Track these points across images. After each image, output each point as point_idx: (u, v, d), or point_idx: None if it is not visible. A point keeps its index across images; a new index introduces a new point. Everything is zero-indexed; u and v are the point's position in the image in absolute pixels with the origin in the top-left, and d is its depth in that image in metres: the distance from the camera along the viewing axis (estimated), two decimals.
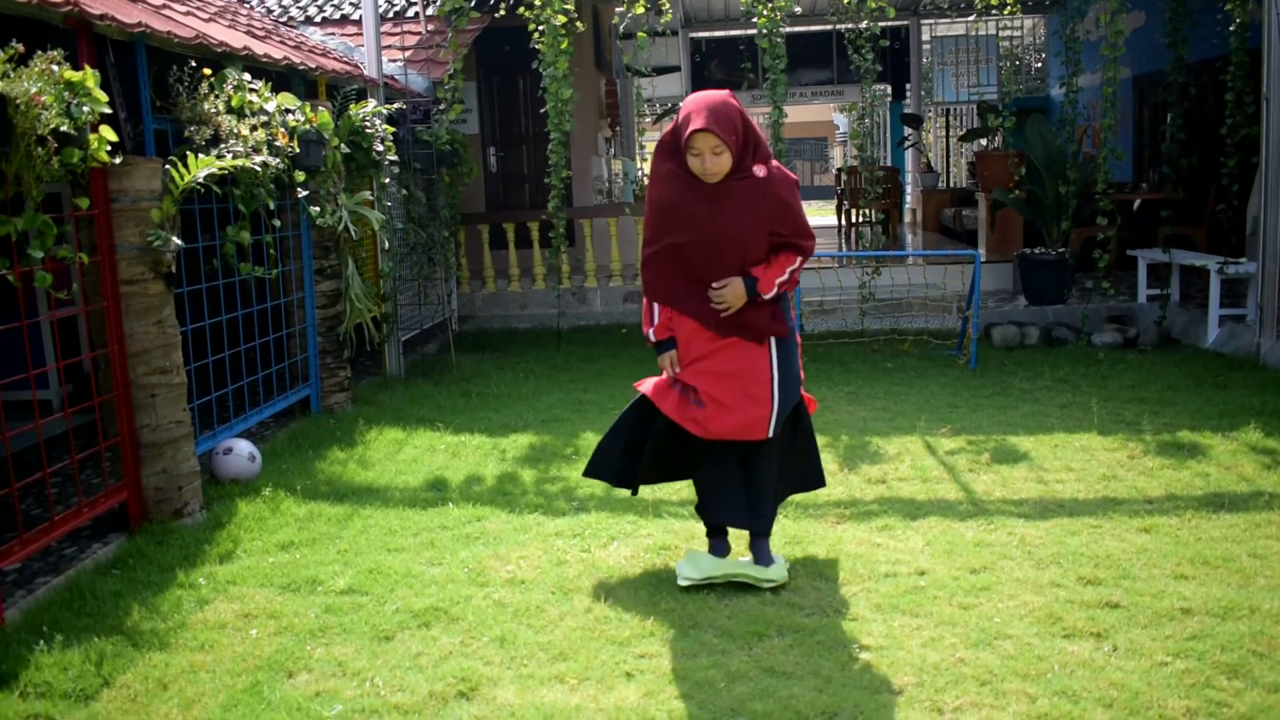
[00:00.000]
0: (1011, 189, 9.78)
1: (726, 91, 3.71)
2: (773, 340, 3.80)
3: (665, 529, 4.51)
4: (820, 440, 5.72)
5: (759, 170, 3.69)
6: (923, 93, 17.05)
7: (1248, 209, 9.35)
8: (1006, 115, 9.82)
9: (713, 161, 3.61)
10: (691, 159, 3.65)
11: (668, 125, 3.90)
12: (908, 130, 17.04)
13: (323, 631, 3.61)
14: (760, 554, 3.90)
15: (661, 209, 3.80)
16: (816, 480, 4.22)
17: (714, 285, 3.73)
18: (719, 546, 3.99)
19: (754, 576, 3.84)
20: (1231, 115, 8.03)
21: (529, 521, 4.70)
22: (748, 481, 3.87)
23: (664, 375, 3.91)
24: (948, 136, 19.20)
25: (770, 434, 3.77)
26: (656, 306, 3.89)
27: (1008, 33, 16.95)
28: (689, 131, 3.58)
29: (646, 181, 4.40)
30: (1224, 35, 8.06)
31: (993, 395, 6.84)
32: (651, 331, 3.91)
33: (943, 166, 18.95)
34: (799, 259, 3.79)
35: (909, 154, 18.06)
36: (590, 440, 6.03)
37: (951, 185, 17.69)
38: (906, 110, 17.35)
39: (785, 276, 3.76)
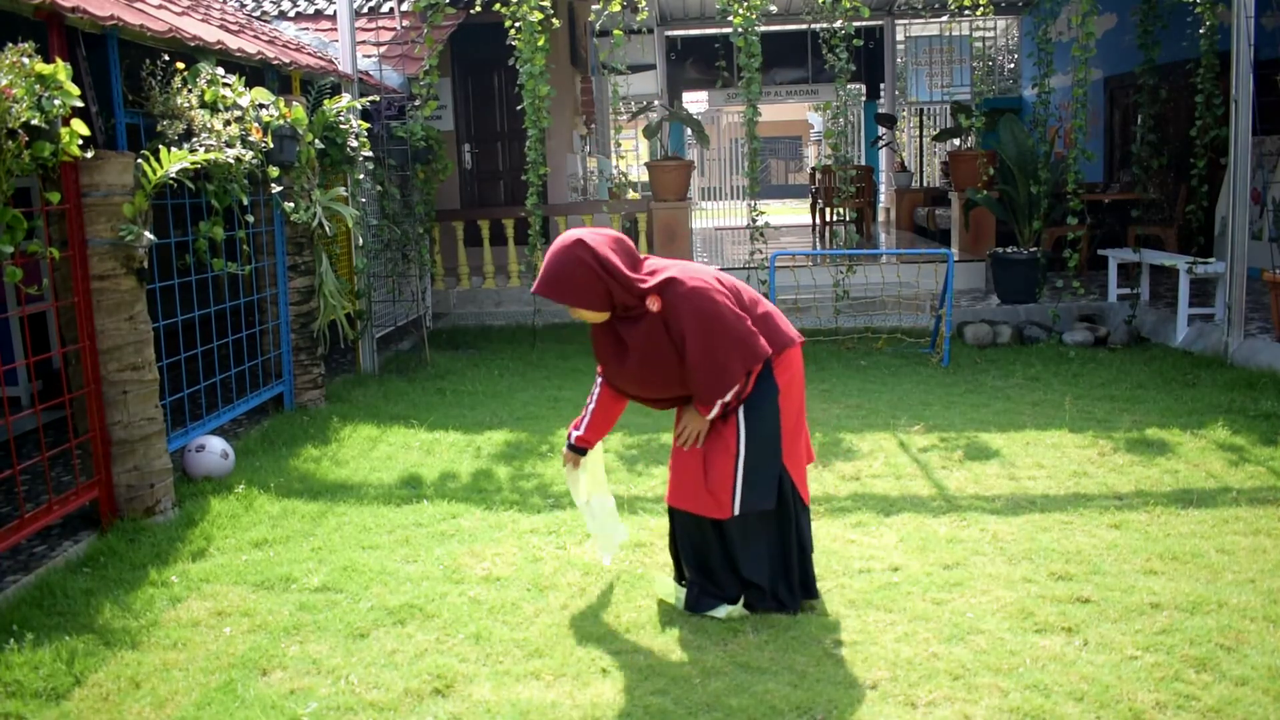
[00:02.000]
0: (984, 188, 9.85)
1: (574, 238, 3.36)
2: (740, 408, 3.50)
3: (640, 526, 4.52)
4: None
5: (651, 304, 3.39)
6: (897, 92, 17.13)
7: (1216, 210, 9.48)
8: (979, 115, 9.89)
9: (577, 314, 3.44)
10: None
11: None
12: (882, 130, 17.11)
13: (297, 629, 3.60)
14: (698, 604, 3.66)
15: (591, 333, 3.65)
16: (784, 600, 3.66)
17: (677, 441, 3.57)
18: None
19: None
20: (1201, 117, 8.12)
21: (504, 518, 4.69)
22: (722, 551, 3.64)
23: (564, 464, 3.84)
24: (921, 136, 19.29)
25: (735, 511, 3.49)
26: (595, 397, 3.71)
27: (981, 33, 17.04)
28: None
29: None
30: (1194, 38, 8.15)
31: (965, 393, 6.90)
32: (574, 435, 3.77)
33: (916, 166, 19.04)
34: (739, 383, 3.43)
35: (883, 153, 18.15)
36: (565, 437, 6.03)
37: (925, 184, 17.78)
38: (881, 110, 17.43)
39: (729, 398, 3.43)
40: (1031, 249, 9.38)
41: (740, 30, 8.13)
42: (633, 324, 3.41)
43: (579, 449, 3.78)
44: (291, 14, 10.41)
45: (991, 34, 17.70)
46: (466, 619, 3.65)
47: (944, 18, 13.38)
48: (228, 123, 5.31)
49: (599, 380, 3.71)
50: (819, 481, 5.10)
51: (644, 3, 8.43)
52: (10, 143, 3.68)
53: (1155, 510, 4.54)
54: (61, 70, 3.87)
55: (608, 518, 3.97)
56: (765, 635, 3.46)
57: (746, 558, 3.58)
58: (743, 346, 3.38)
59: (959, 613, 3.59)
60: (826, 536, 4.34)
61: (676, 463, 3.60)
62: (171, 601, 3.84)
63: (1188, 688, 3.04)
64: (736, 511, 3.49)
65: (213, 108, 5.31)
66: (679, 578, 3.82)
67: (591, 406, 3.73)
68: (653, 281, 3.41)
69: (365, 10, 10.46)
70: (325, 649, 3.45)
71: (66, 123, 3.96)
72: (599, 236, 3.40)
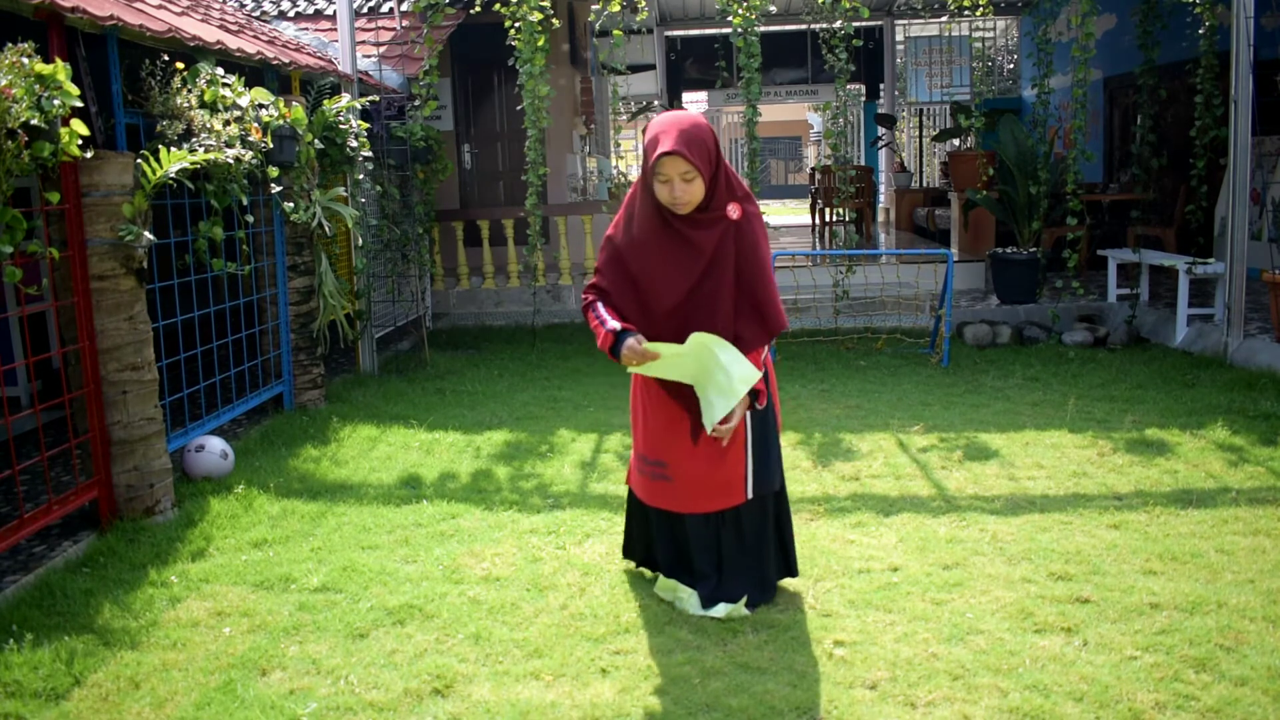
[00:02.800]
0: (983, 189, 9.85)
1: (700, 114, 3.40)
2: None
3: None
4: (794, 437, 5.78)
5: (732, 210, 3.34)
6: (896, 93, 17.14)
7: (1216, 210, 9.48)
8: (979, 116, 9.89)
9: (683, 189, 3.24)
10: (659, 186, 3.28)
11: (641, 121, 3.71)
12: (881, 130, 17.12)
13: (296, 629, 3.60)
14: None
15: (626, 249, 3.43)
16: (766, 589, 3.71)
17: (717, 428, 3.35)
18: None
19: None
20: (1200, 117, 8.12)
21: (504, 518, 4.69)
22: (738, 548, 3.66)
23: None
24: (921, 136, 19.30)
25: (749, 495, 3.55)
26: (603, 307, 3.47)
27: (980, 34, 17.06)
28: (656, 154, 3.22)
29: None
30: (1194, 38, 8.15)
31: (965, 393, 6.90)
32: (615, 323, 3.38)
33: (916, 166, 19.05)
34: (765, 349, 3.43)
35: (883, 153, 18.16)
36: (565, 437, 6.04)
37: (925, 185, 17.80)
38: (880, 110, 17.44)
39: (763, 370, 3.40)
40: (1031, 249, 9.38)
41: (740, 30, 8.14)
42: (706, 228, 3.31)
43: (631, 332, 3.36)
44: (291, 14, 10.41)
45: (991, 34, 17.72)
46: (466, 619, 3.65)
47: (943, 18, 13.39)
48: (227, 123, 5.31)
49: (596, 303, 3.47)
50: (819, 482, 5.10)
51: (644, 3, 8.43)
52: (10, 143, 3.68)
53: (1155, 510, 4.54)
54: (61, 70, 3.87)
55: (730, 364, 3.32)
56: (765, 635, 3.46)
57: (759, 545, 3.65)
58: (778, 304, 3.42)
59: (958, 613, 3.59)
60: (826, 537, 4.34)
61: (685, 471, 3.53)
62: (171, 602, 3.84)
63: (1187, 688, 3.04)
64: (749, 495, 3.54)
65: (212, 108, 5.31)
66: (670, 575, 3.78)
67: (603, 311, 3.45)
68: (744, 192, 3.38)
69: (365, 10, 10.46)
70: (325, 649, 3.45)
71: (66, 123, 3.96)
72: None
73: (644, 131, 3.37)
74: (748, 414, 3.48)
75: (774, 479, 3.62)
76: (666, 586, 3.75)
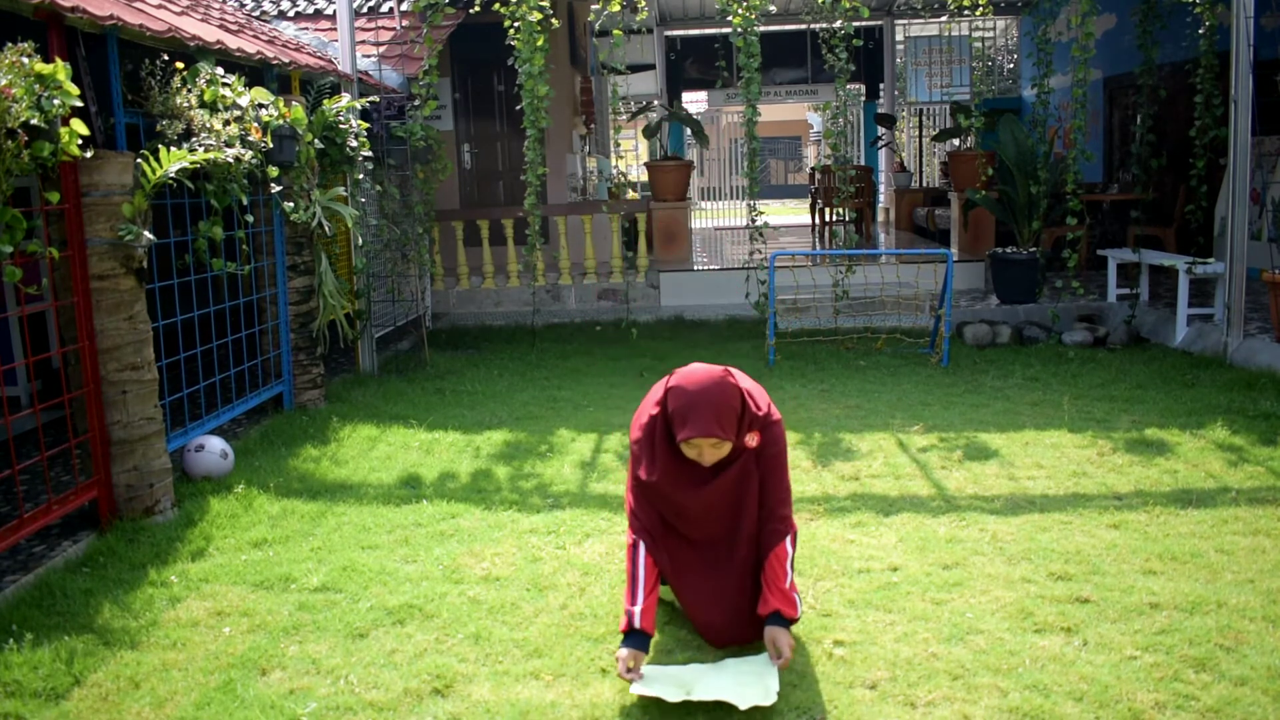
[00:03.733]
0: (983, 189, 9.85)
1: (722, 370, 3.27)
2: None
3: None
4: (794, 437, 5.78)
5: (750, 440, 3.34)
6: (896, 92, 17.14)
7: (1216, 210, 9.49)
8: (979, 116, 9.89)
9: (711, 455, 3.25)
10: (686, 448, 3.25)
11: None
12: (881, 130, 17.12)
13: (296, 629, 3.60)
14: None
15: (650, 494, 3.38)
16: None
17: (779, 663, 3.15)
18: None
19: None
20: (1200, 117, 8.12)
21: (503, 518, 4.69)
22: None
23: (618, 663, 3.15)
24: (921, 136, 19.30)
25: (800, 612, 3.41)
26: (644, 555, 3.33)
27: (980, 34, 17.05)
28: (685, 436, 3.19)
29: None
30: (1193, 38, 8.15)
31: (965, 393, 6.90)
32: (637, 613, 3.20)
33: (916, 166, 19.05)
34: (788, 545, 3.35)
35: (882, 153, 18.16)
36: (565, 437, 6.04)
37: (924, 185, 17.79)
38: (880, 110, 17.44)
39: (790, 573, 3.33)
40: (1031, 249, 9.38)
41: (740, 30, 8.13)
42: (727, 467, 3.32)
43: (643, 637, 3.20)
44: (291, 14, 10.41)
45: (991, 34, 17.71)
46: (466, 619, 3.65)
47: (943, 18, 13.40)
48: (227, 122, 5.31)
49: (639, 546, 3.35)
50: (818, 481, 5.10)
51: (643, 3, 8.43)
52: (10, 142, 3.68)
53: (1154, 510, 4.54)
54: (61, 70, 3.87)
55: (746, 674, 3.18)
56: None
57: None
58: (789, 506, 3.46)
59: (958, 613, 3.59)
60: (826, 536, 4.34)
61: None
62: (171, 601, 3.84)
63: (1187, 688, 3.04)
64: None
65: (212, 107, 5.31)
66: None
67: (640, 573, 3.30)
68: (764, 411, 3.38)
69: (365, 10, 10.46)
70: (324, 649, 3.45)
71: (66, 122, 3.96)
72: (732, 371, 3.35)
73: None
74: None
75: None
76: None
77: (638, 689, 3.04)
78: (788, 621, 3.25)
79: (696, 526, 3.40)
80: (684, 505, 3.36)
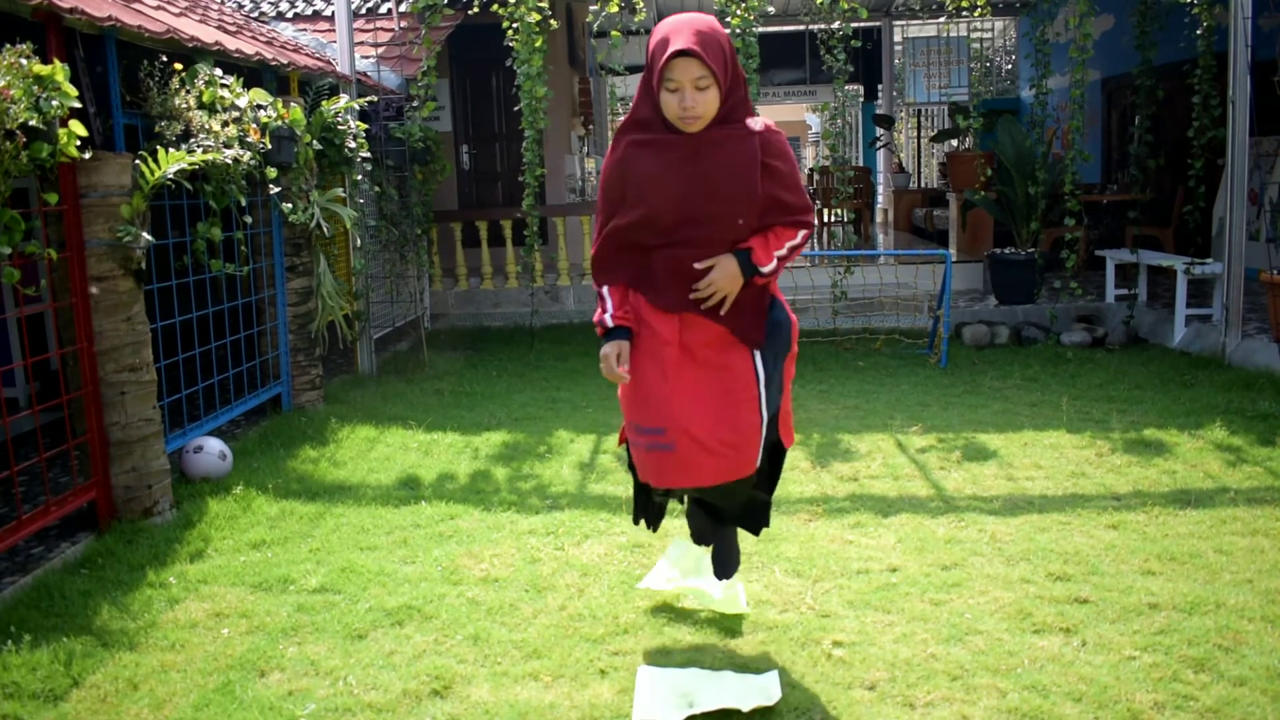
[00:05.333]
0: (982, 189, 9.86)
1: (712, 16, 2.90)
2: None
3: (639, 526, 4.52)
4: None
5: (754, 123, 2.88)
6: (895, 93, 17.14)
7: (1214, 210, 9.49)
8: (977, 116, 9.90)
9: (695, 98, 2.77)
10: (667, 95, 2.79)
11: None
12: (880, 130, 17.13)
13: (295, 630, 3.59)
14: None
15: (621, 180, 2.92)
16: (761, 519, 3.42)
17: (697, 265, 2.87)
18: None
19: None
20: (1198, 118, 8.13)
21: (502, 519, 4.69)
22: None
23: (619, 390, 3.04)
24: (919, 137, 19.32)
25: (757, 466, 3.09)
26: (608, 290, 3.01)
27: (978, 34, 17.08)
28: (666, 56, 2.73)
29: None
30: (1191, 39, 8.16)
31: (963, 394, 6.90)
32: (608, 316, 2.97)
33: (914, 167, 19.07)
34: (800, 233, 2.96)
35: (881, 154, 18.17)
36: (563, 438, 6.04)
37: (923, 185, 17.81)
38: (878, 111, 17.45)
39: (785, 250, 2.94)
40: (1029, 250, 9.38)
41: (738, 31, 8.14)
42: (720, 144, 2.83)
43: (622, 330, 2.97)
44: (289, 15, 10.41)
45: (989, 35, 17.73)
46: (465, 620, 3.65)
47: (941, 19, 13.40)
48: (226, 124, 5.31)
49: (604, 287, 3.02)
50: (817, 482, 5.10)
51: (642, 4, 8.43)
52: (8, 144, 3.68)
53: (1153, 511, 4.54)
54: (59, 71, 3.87)
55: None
56: (764, 636, 3.46)
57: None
58: (812, 207, 2.97)
59: (957, 613, 3.59)
60: (824, 537, 4.34)
61: (691, 429, 2.94)
62: (169, 603, 3.83)
63: (1186, 688, 3.04)
64: (758, 465, 3.07)
65: (211, 108, 5.31)
66: (721, 574, 3.47)
67: (607, 295, 3.01)
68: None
69: (363, 11, 10.46)
70: (323, 650, 3.45)
71: (64, 124, 3.96)
72: None
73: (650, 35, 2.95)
74: (758, 366, 2.97)
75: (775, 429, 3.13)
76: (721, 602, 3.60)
77: (642, 705, 2.98)
78: (747, 257, 2.87)
79: (676, 225, 2.88)
80: (657, 186, 2.85)
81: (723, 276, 2.86)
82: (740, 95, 2.87)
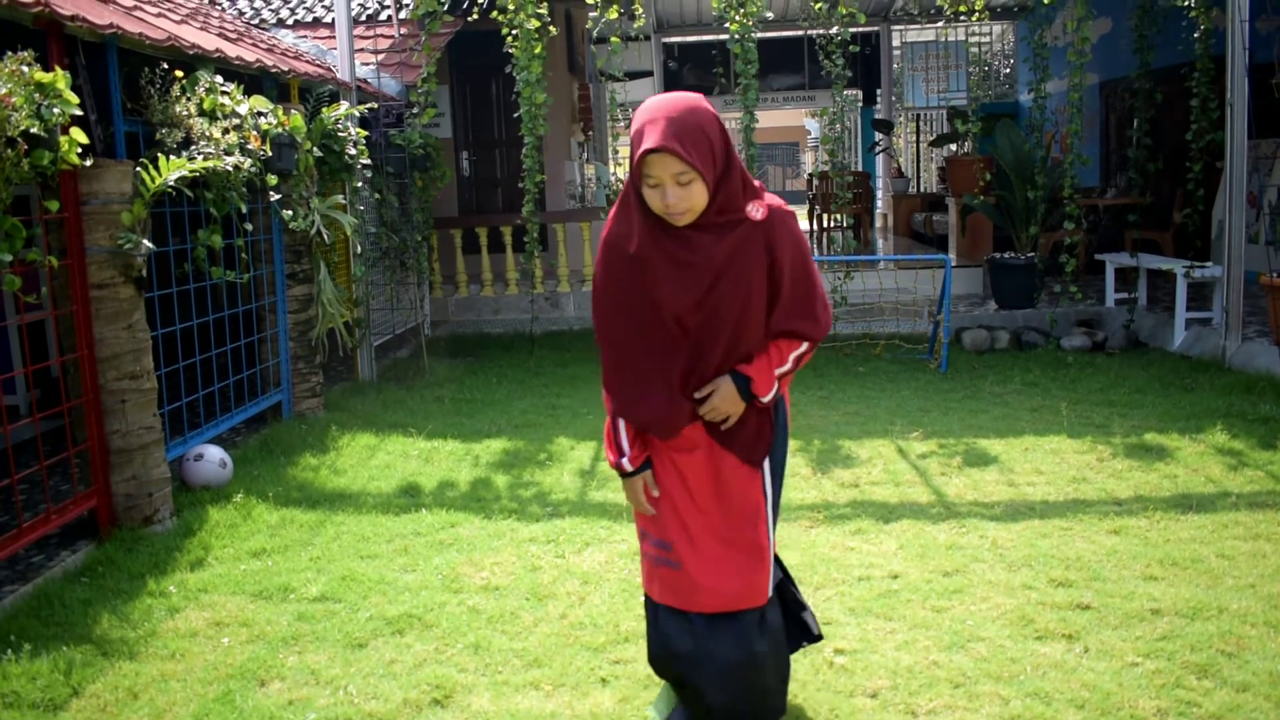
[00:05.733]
0: (981, 194, 9.86)
1: (698, 96, 2.57)
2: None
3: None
4: (793, 444, 5.77)
5: (754, 210, 2.58)
6: (893, 98, 17.16)
7: (1213, 213, 9.50)
8: (976, 121, 9.91)
9: (677, 195, 2.47)
10: (648, 191, 2.51)
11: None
12: (879, 135, 17.15)
13: (295, 639, 3.59)
14: None
15: (612, 272, 2.65)
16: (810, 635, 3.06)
17: (698, 394, 2.63)
18: None
19: None
20: (1196, 121, 8.14)
21: (503, 527, 4.69)
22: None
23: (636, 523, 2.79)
24: (918, 142, 19.34)
25: (771, 593, 2.75)
26: (624, 425, 2.71)
27: (977, 39, 17.10)
28: (640, 151, 2.46)
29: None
30: (1189, 42, 8.17)
31: (963, 399, 6.90)
32: (626, 460, 2.70)
33: (913, 171, 19.08)
34: (805, 345, 2.68)
35: (880, 159, 18.18)
36: (564, 445, 6.03)
37: (922, 190, 17.83)
38: (877, 115, 17.46)
39: (789, 366, 2.67)
40: (1029, 254, 9.39)
41: (737, 37, 8.15)
42: (720, 234, 2.55)
43: (643, 467, 2.73)
44: (290, 22, 10.42)
45: (987, 39, 17.75)
46: (465, 628, 3.64)
47: (940, 24, 13.42)
48: (226, 130, 5.31)
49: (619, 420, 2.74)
50: (818, 489, 5.10)
51: (641, 10, 8.44)
52: (9, 151, 3.68)
53: (1155, 515, 4.53)
54: (61, 79, 3.87)
55: None
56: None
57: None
58: (826, 301, 2.71)
59: (959, 620, 3.58)
60: (826, 544, 4.33)
61: (699, 545, 2.68)
62: (169, 612, 3.83)
63: (1189, 694, 3.04)
64: (771, 592, 2.74)
65: (211, 115, 5.31)
66: None
67: (622, 430, 2.73)
68: (758, 183, 2.69)
69: (363, 18, 10.47)
70: (324, 659, 3.44)
71: (65, 131, 3.96)
72: None
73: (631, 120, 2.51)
74: (767, 484, 2.74)
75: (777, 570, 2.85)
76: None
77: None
78: (747, 385, 2.62)
79: (668, 307, 2.59)
80: (655, 283, 2.58)
81: (723, 402, 2.62)
82: (736, 181, 2.57)
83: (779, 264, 2.60)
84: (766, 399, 2.65)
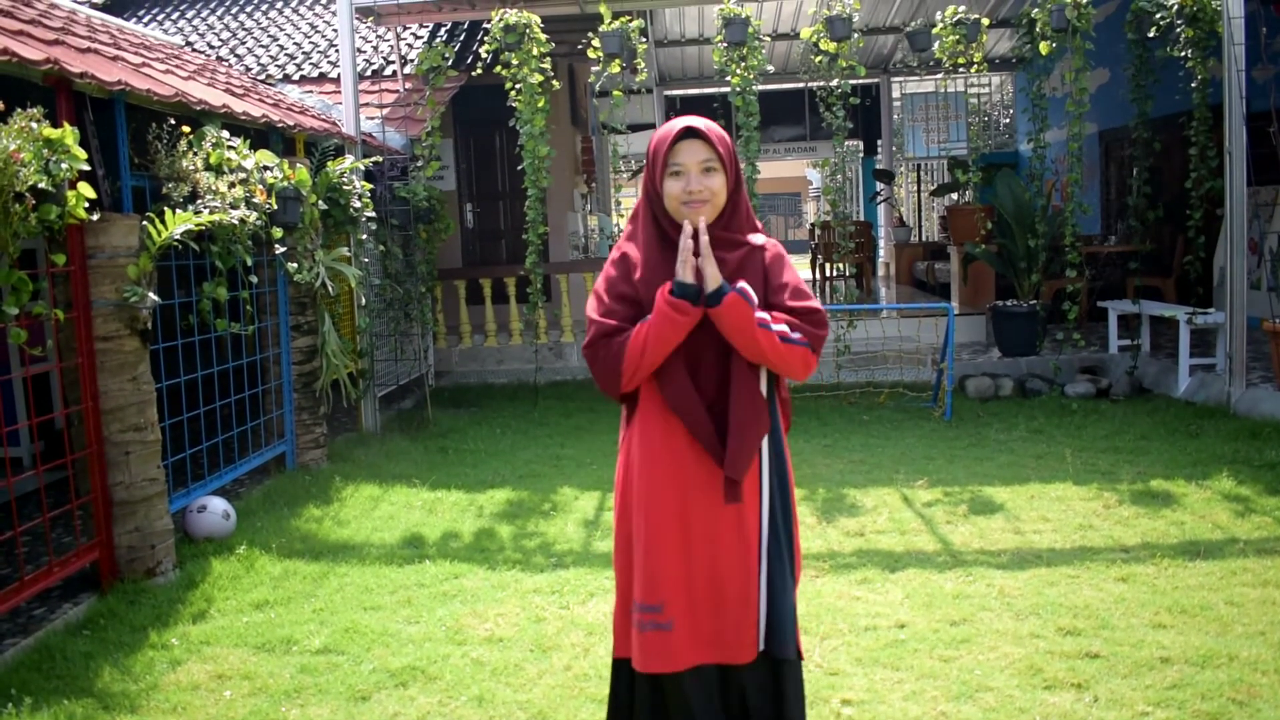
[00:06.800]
0: (982, 242, 9.91)
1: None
2: (765, 484, 2.61)
3: None
4: (799, 493, 5.75)
5: (755, 239, 2.64)
6: (894, 148, 17.30)
7: (1214, 260, 9.53)
8: (976, 170, 9.98)
9: (700, 182, 2.52)
10: (670, 181, 2.55)
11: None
12: (880, 185, 17.27)
13: (298, 692, 3.56)
14: None
15: (624, 281, 2.62)
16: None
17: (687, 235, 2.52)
18: None
19: None
20: (1195, 169, 8.20)
21: (507, 578, 4.66)
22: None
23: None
24: (919, 191, 19.46)
25: (760, 646, 2.57)
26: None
27: (975, 90, 17.27)
28: (673, 138, 2.55)
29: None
30: (1186, 91, 8.25)
31: (968, 446, 6.88)
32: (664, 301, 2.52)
33: (915, 221, 19.18)
34: (800, 334, 2.55)
35: (881, 208, 18.30)
36: (568, 495, 6.02)
37: (924, 239, 17.90)
38: (878, 166, 17.60)
39: (779, 327, 2.53)
40: (1031, 302, 9.41)
41: (738, 90, 8.24)
42: (725, 252, 2.55)
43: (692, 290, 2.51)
44: (296, 77, 10.57)
45: (986, 90, 17.93)
46: (469, 681, 3.61)
47: (939, 75, 13.57)
48: (232, 184, 5.36)
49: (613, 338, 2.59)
50: (823, 538, 5.07)
51: (643, 64, 8.55)
52: (17, 206, 3.72)
53: (1162, 563, 4.50)
54: (69, 135, 3.92)
55: None
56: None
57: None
58: (824, 318, 2.64)
59: (967, 670, 3.55)
60: (831, 594, 4.30)
61: (689, 610, 2.56)
62: (171, 664, 3.80)
63: None
64: (761, 647, 2.57)
65: (218, 170, 5.37)
66: None
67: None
68: (759, 224, 2.75)
69: (369, 73, 10.61)
70: (327, 712, 3.41)
71: (73, 186, 4.01)
72: None
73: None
74: (764, 520, 2.59)
75: (789, 637, 2.59)
76: None
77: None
78: (735, 296, 2.49)
79: (686, 354, 2.56)
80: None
81: (706, 262, 2.50)
82: (744, 201, 2.64)
83: (777, 285, 2.60)
84: (737, 307, 2.48)
